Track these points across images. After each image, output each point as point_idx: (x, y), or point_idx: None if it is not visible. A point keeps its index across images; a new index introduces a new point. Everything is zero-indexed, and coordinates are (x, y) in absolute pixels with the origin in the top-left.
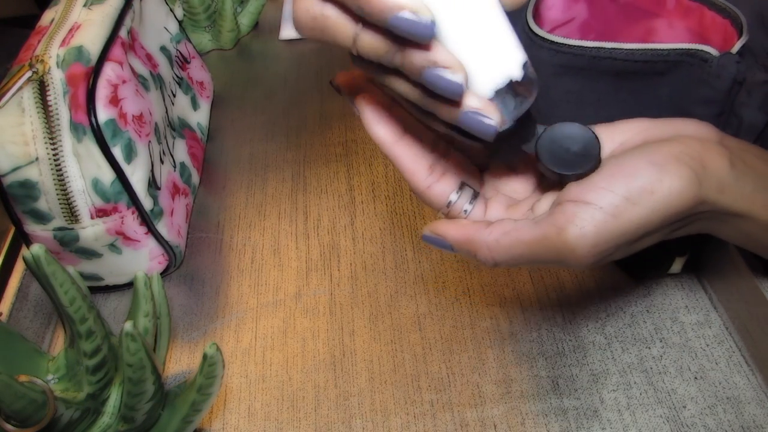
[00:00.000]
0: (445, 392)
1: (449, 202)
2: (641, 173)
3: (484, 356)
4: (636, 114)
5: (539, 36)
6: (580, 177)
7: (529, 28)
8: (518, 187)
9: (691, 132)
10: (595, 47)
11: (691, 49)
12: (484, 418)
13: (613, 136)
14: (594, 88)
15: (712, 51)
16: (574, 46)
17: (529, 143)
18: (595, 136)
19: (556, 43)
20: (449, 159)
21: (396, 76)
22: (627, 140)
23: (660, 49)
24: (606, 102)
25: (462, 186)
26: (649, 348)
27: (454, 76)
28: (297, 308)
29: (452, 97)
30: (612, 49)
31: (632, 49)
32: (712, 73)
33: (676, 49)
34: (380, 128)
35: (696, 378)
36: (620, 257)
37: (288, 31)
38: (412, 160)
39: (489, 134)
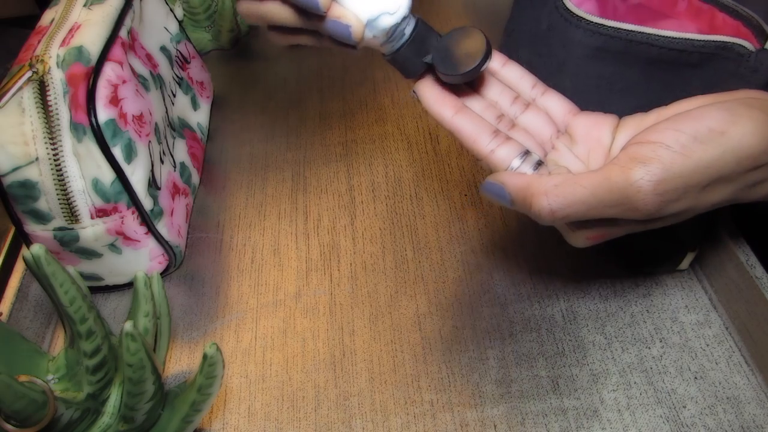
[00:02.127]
0: (445, 392)
1: (512, 168)
2: (710, 115)
3: (484, 356)
4: (663, 106)
5: (576, 15)
6: (470, 75)
7: (565, 7)
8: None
9: (752, 94)
10: (633, 30)
11: (728, 42)
12: (484, 418)
13: (669, 113)
14: (625, 75)
15: (749, 46)
16: (612, 27)
17: (429, 55)
18: (483, 33)
19: (593, 23)
20: (515, 130)
21: (273, 3)
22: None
23: (696, 39)
24: (635, 91)
25: (526, 152)
26: (649, 348)
27: None
28: (297, 308)
29: (316, 12)
30: (650, 34)
31: (669, 36)
32: (750, 68)
33: (713, 40)
34: (438, 106)
35: (696, 378)
36: (687, 207)
37: None
38: (474, 127)
39: (347, 36)
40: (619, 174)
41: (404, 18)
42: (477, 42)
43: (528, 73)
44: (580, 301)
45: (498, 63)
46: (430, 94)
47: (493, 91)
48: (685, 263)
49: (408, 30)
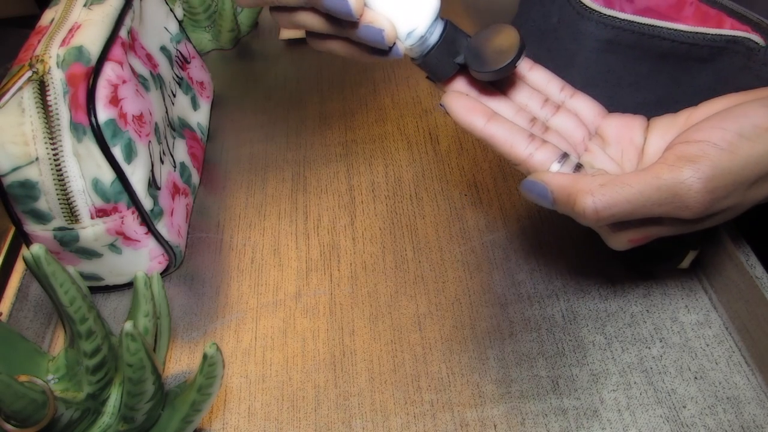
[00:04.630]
0: (445, 392)
1: (551, 171)
2: (753, 112)
3: (484, 356)
4: (672, 101)
5: (589, 8)
6: (506, 71)
7: (578, 0)
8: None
9: None
10: (646, 23)
11: (738, 37)
12: (484, 418)
13: (701, 115)
14: (635, 69)
15: (759, 40)
16: (625, 20)
17: (460, 56)
18: (515, 28)
19: (606, 15)
20: (549, 133)
21: (306, 12)
22: (721, 110)
23: (707, 33)
24: (644, 85)
25: (564, 156)
26: (649, 348)
27: (345, 3)
28: (297, 308)
29: (348, 18)
30: (662, 27)
31: (681, 30)
32: (759, 61)
33: (724, 34)
34: (469, 116)
35: (696, 378)
36: (733, 205)
37: (288, 31)
38: (508, 133)
39: (380, 40)
40: (669, 172)
41: (434, 21)
42: (510, 37)
43: (555, 76)
44: (580, 301)
45: (525, 67)
46: (459, 104)
47: (521, 95)
48: (686, 262)
49: (437, 32)
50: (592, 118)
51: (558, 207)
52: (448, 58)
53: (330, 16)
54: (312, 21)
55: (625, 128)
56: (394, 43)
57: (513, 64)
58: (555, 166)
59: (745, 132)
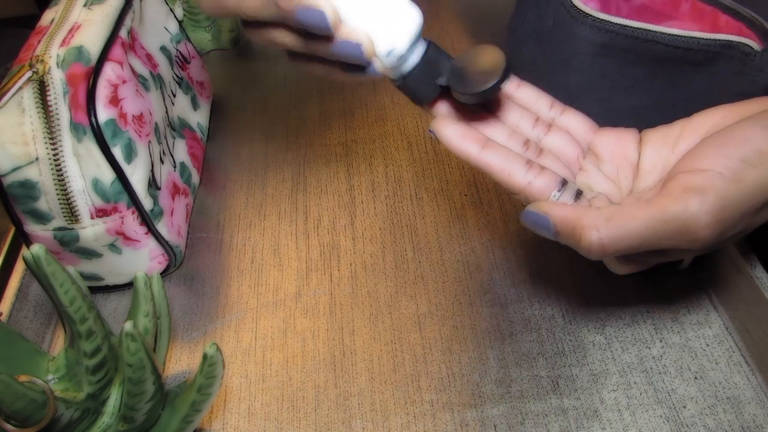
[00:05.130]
0: (445, 392)
1: (552, 199)
2: (754, 136)
3: (484, 356)
4: (667, 105)
5: (582, 12)
6: (490, 93)
7: (572, 3)
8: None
9: None
10: (639, 28)
11: (733, 41)
12: (484, 418)
13: (695, 127)
14: (629, 73)
15: (754, 45)
16: (618, 24)
17: (442, 77)
18: (499, 49)
19: (600, 19)
20: (544, 156)
21: (279, 29)
22: (716, 124)
23: (702, 38)
24: (639, 89)
25: (564, 183)
26: (649, 348)
27: (322, 15)
28: (297, 308)
29: (324, 32)
30: (655, 32)
31: (675, 34)
32: (755, 67)
33: (718, 39)
34: (462, 144)
35: (696, 378)
36: (741, 230)
37: None
38: (505, 161)
39: (358, 55)
40: (675, 205)
41: (415, 41)
42: (494, 57)
43: (543, 93)
44: (580, 301)
45: (512, 86)
46: (450, 132)
47: (512, 115)
48: (685, 262)
49: (418, 53)
50: (583, 134)
51: (561, 239)
52: (429, 80)
53: (304, 32)
54: (285, 38)
55: (618, 144)
56: (371, 61)
57: (497, 86)
58: (555, 195)
59: (748, 158)
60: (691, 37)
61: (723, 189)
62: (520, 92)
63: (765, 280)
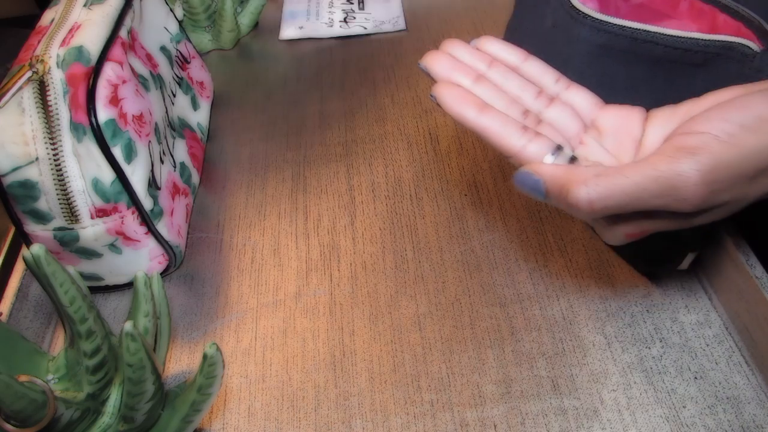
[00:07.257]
0: (445, 392)
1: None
2: (755, 104)
3: (484, 356)
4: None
5: (582, 12)
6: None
7: (571, 4)
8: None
9: None
10: (638, 29)
11: (733, 43)
12: (484, 418)
13: (703, 106)
14: (629, 74)
15: (753, 46)
16: (617, 25)
17: None
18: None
19: (599, 20)
20: (542, 126)
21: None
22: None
23: (701, 39)
24: (639, 90)
25: (558, 148)
26: (649, 348)
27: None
28: (297, 308)
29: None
30: (654, 32)
31: (674, 35)
32: (754, 68)
33: (717, 40)
34: (460, 106)
35: (696, 378)
36: (734, 199)
37: (288, 31)
38: (501, 125)
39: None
40: (667, 163)
41: None
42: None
43: (550, 68)
44: (580, 301)
45: (519, 58)
46: (450, 94)
47: (514, 86)
48: (685, 263)
49: None
50: (588, 109)
51: (551, 199)
52: None
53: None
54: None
55: (622, 119)
56: None
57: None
58: (548, 159)
59: (747, 123)
60: (690, 38)
61: (717, 150)
62: (526, 65)
63: (765, 280)
